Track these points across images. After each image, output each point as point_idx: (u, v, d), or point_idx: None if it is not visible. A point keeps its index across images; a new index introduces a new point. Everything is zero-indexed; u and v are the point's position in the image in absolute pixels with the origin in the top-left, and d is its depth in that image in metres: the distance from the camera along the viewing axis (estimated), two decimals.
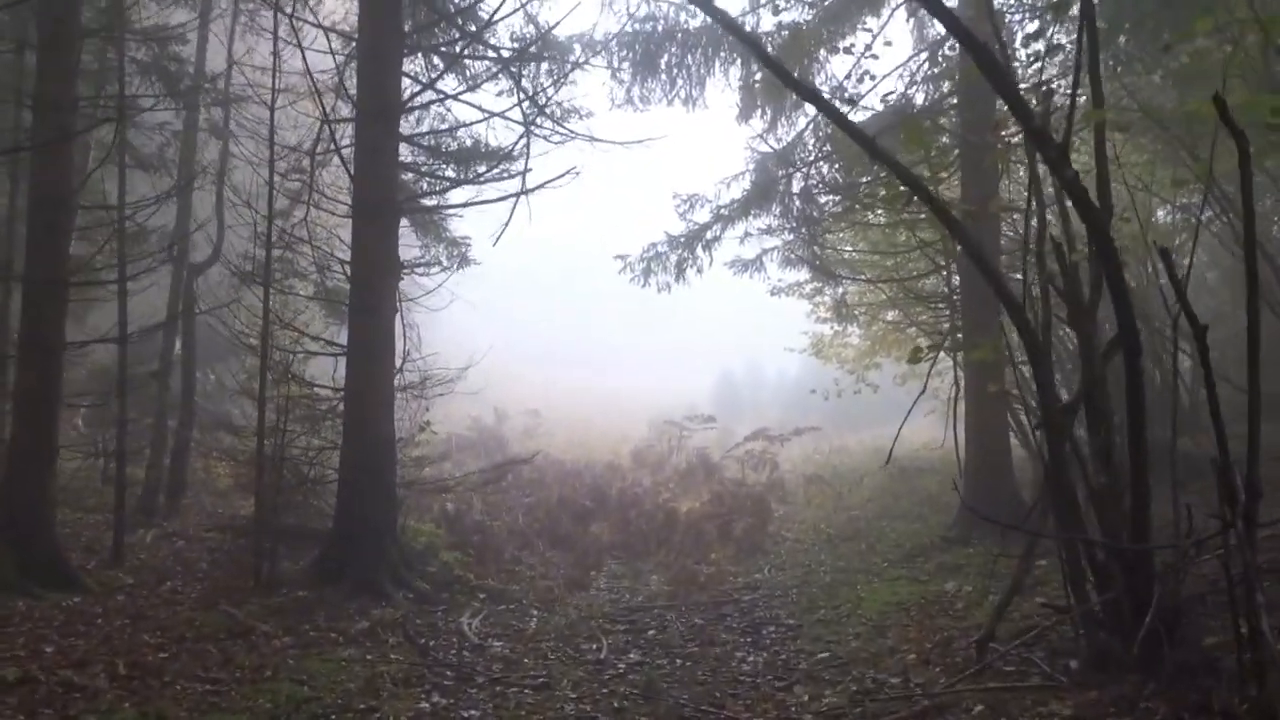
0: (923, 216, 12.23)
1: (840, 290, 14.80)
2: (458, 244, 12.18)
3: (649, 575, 10.26)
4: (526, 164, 9.56)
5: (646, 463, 17.67)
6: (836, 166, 12.89)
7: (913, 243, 11.66)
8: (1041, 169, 5.89)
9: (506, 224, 9.48)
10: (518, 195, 9.35)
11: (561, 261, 65.22)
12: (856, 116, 12.85)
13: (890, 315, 16.58)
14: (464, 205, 9.96)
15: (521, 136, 9.39)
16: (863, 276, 14.02)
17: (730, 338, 55.61)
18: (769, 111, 13.35)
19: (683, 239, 12.69)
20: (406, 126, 10.79)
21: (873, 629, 7.29)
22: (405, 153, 11.02)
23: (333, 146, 8.96)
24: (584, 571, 9.97)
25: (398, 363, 9.57)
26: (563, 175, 9.09)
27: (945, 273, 10.81)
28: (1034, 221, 5.92)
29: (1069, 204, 6.18)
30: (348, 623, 7.40)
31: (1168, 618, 5.18)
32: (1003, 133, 7.51)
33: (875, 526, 12.31)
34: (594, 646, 7.10)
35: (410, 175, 11.08)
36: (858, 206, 13.10)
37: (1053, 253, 5.57)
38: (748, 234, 12.94)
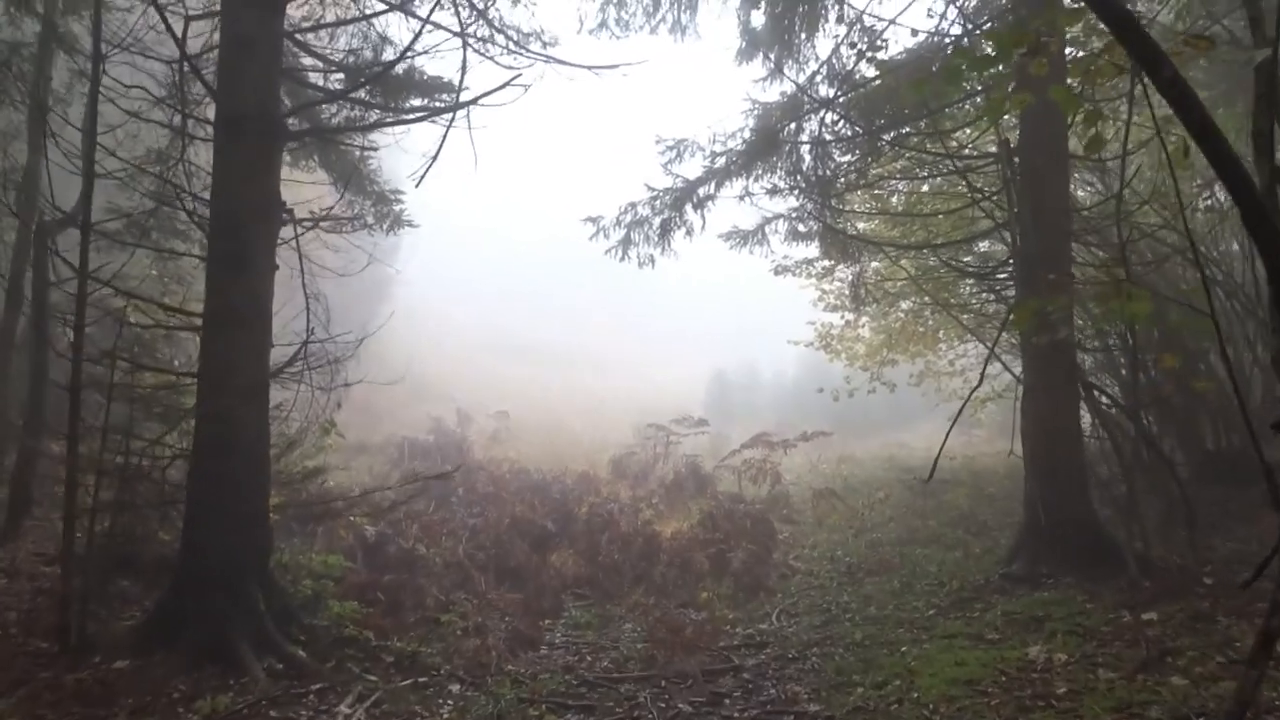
0: (955, 173, 9.92)
1: (857, 268, 12.37)
2: (387, 199, 9.75)
3: (621, 624, 7.79)
4: (462, 80, 7.14)
5: (627, 473, 15.16)
6: (854, 113, 10.53)
7: (965, 197, 9.26)
8: None
9: (436, 155, 6.99)
10: (453, 110, 6.90)
11: (527, 233, 61.83)
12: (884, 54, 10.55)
13: (906, 305, 14.29)
14: (374, 126, 7.47)
15: (417, 26, 6.89)
16: (890, 245, 11.57)
17: (723, 334, 53.29)
18: (773, 54, 10.98)
19: (668, 195, 10.23)
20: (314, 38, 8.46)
21: None
22: (316, 78, 8.68)
23: (175, 41, 6.46)
24: (534, 621, 7.48)
25: (292, 340, 7.19)
26: (504, 86, 6.63)
27: (1010, 235, 8.33)
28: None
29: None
30: (164, 718, 4.95)
31: None
32: None
33: (906, 556, 9.87)
34: None
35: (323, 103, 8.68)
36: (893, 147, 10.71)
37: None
38: (748, 193, 10.52)
